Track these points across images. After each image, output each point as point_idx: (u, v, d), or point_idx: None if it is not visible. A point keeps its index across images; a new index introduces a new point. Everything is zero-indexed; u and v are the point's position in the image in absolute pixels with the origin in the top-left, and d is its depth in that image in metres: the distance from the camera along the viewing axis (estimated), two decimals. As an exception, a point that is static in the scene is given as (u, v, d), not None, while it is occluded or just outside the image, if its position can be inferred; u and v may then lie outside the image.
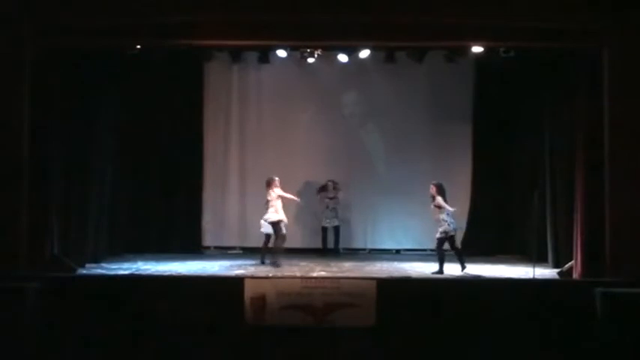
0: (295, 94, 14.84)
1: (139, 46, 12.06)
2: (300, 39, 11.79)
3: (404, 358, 9.96)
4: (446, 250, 12.13)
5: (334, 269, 12.31)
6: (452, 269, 12.20)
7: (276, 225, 12.57)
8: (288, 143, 14.82)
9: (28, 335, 9.57)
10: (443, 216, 11.91)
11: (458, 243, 12.60)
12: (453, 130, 14.69)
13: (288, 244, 14.41)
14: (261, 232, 13.06)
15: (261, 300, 10.12)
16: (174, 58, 13.30)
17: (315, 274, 11.43)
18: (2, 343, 9.29)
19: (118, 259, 13.21)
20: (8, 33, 10.68)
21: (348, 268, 12.50)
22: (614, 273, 10.56)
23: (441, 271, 11.90)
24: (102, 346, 9.76)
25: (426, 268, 12.51)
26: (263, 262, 12.80)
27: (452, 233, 11.99)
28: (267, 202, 12.61)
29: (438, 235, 11.98)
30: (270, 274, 11.18)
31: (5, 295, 9.52)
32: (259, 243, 14.76)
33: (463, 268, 11.96)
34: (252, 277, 10.80)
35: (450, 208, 11.92)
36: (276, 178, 12.69)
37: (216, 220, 14.89)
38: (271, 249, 12.90)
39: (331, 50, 13.28)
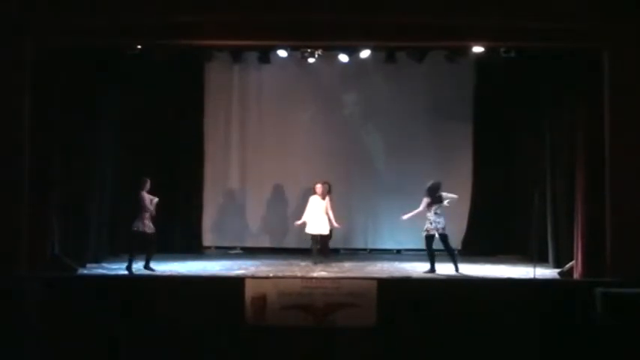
0: (296, 94, 14.84)
1: (139, 46, 12.06)
2: (300, 39, 11.78)
3: (404, 358, 9.97)
4: (437, 250, 12.13)
5: (335, 269, 12.31)
6: (452, 269, 12.21)
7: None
8: (289, 143, 14.82)
9: (28, 335, 9.57)
10: (429, 214, 11.96)
11: (456, 244, 12.58)
12: (453, 130, 14.69)
13: (288, 244, 14.51)
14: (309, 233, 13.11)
15: (261, 300, 10.13)
16: (174, 58, 13.29)
17: (315, 274, 11.43)
18: (3, 343, 9.30)
19: (118, 259, 13.20)
20: (8, 33, 10.69)
21: (348, 268, 12.50)
22: (614, 273, 10.57)
23: (432, 270, 11.90)
24: (102, 345, 9.77)
25: (426, 268, 12.48)
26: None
27: (432, 232, 11.93)
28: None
29: (423, 234, 12.07)
30: (271, 274, 11.18)
31: (5, 295, 9.53)
32: (259, 243, 14.85)
33: (456, 269, 11.96)
34: (253, 277, 10.81)
35: (421, 208, 12.05)
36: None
37: (217, 220, 14.89)
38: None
39: (332, 50, 13.27)
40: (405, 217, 12.37)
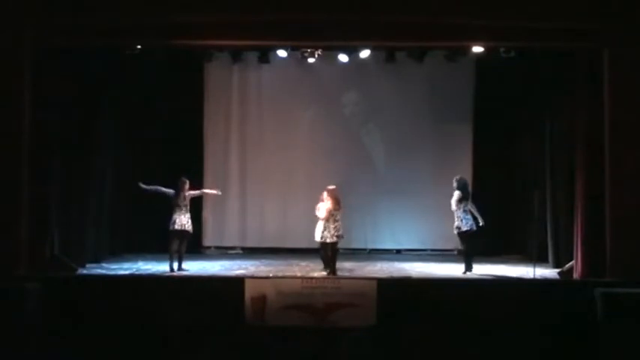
0: (296, 94, 14.84)
1: (139, 46, 12.07)
2: (300, 39, 11.79)
3: (404, 358, 9.97)
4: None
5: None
6: (452, 269, 12.23)
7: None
8: (289, 143, 14.82)
9: (28, 335, 9.57)
10: (458, 212, 11.75)
11: (455, 243, 12.52)
12: (453, 130, 14.70)
13: (288, 244, 14.50)
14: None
15: (261, 300, 10.13)
16: (174, 58, 13.30)
17: (315, 274, 11.42)
18: (3, 343, 9.30)
19: (118, 259, 13.22)
20: (8, 33, 10.69)
21: (348, 268, 12.48)
22: (614, 273, 10.57)
23: (467, 269, 11.80)
24: (102, 346, 9.76)
25: (426, 268, 12.53)
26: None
27: (463, 229, 11.69)
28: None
29: (455, 231, 11.88)
30: (271, 274, 11.18)
31: (5, 295, 9.53)
32: (259, 243, 14.85)
33: (465, 270, 11.85)
34: (253, 277, 10.81)
35: (453, 207, 11.74)
36: None
37: (216, 220, 14.89)
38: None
39: (331, 50, 13.28)
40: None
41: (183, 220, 11.89)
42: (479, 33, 11.21)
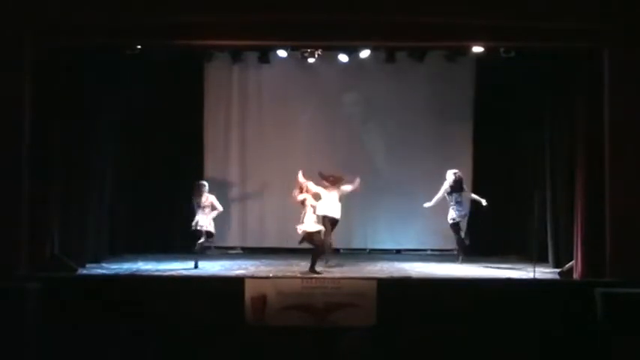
0: (295, 94, 14.84)
1: (139, 46, 12.07)
2: (300, 39, 11.79)
3: (404, 357, 9.98)
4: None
5: (334, 269, 12.30)
6: (452, 269, 12.23)
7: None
8: (289, 143, 14.81)
9: (28, 335, 9.58)
10: (450, 203, 12.69)
11: (455, 243, 12.84)
12: (453, 129, 14.69)
13: (288, 244, 14.47)
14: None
15: (261, 300, 10.13)
16: (174, 58, 13.30)
17: (315, 274, 11.41)
18: (3, 344, 9.30)
19: (118, 259, 13.21)
20: (8, 33, 10.69)
21: (348, 268, 12.49)
22: (614, 273, 10.57)
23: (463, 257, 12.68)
24: (102, 346, 9.77)
25: (426, 268, 12.52)
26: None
27: (456, 220, 12.68)
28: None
29: (450, 222, 12.86)
30: (271, 274, 11.18)
31: (5, 295, 9.53)
32: (259, 243, 14.85)
33: (461, 259, 12.48)
34: (253, 277, 10.81)
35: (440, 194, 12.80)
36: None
37: (217, 220, 14.85)
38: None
39: (331, 50, 13.28)
40: (427, 205, 12.95)
41: (205, 221, 12.54)
42: (479, 33, 11.20)
